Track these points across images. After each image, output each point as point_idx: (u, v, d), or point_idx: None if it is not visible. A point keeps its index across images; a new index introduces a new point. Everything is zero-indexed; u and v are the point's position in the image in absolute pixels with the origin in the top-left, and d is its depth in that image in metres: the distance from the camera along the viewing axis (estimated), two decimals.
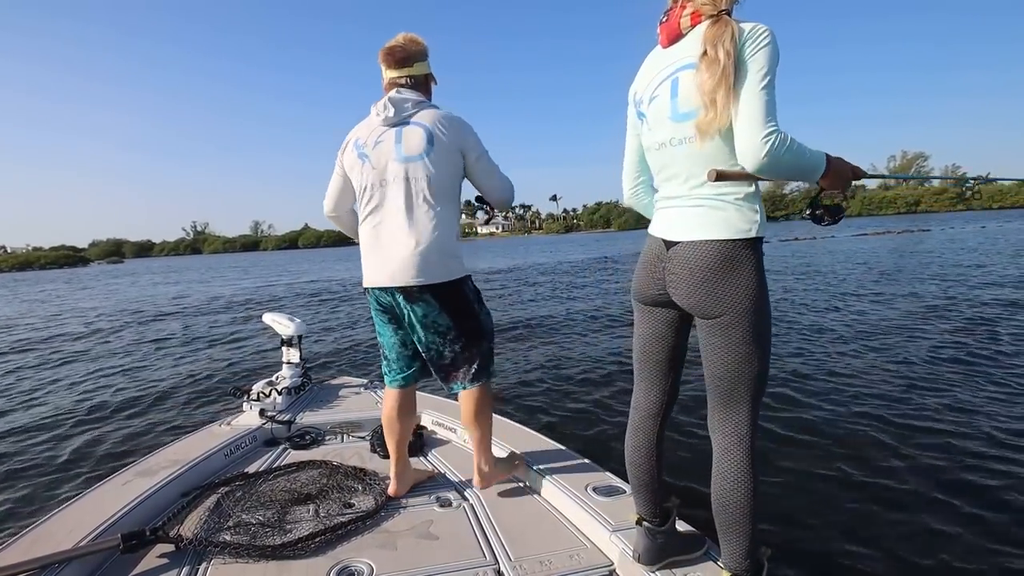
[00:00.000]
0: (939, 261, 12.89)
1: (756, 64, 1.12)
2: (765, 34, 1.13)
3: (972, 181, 1.33)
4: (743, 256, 1.21)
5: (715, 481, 1.30)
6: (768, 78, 1.11)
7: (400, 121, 1.82)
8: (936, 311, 6.68)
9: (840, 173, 1.19)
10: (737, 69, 1.12)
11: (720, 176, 1.17)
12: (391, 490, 2.02)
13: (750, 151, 1.11)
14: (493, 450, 2.27)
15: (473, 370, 1.90)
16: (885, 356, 4.76)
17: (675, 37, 1.28)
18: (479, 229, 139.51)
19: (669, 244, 1.32)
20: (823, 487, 2.58)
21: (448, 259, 1.79)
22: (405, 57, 1.87)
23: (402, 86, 1.88)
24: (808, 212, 1.31)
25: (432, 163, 1.77)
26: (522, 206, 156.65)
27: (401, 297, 1.80)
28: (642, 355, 1.48)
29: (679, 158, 1.28)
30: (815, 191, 1.28)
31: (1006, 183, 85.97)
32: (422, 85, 1.94)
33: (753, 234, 1.21)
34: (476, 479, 2.00)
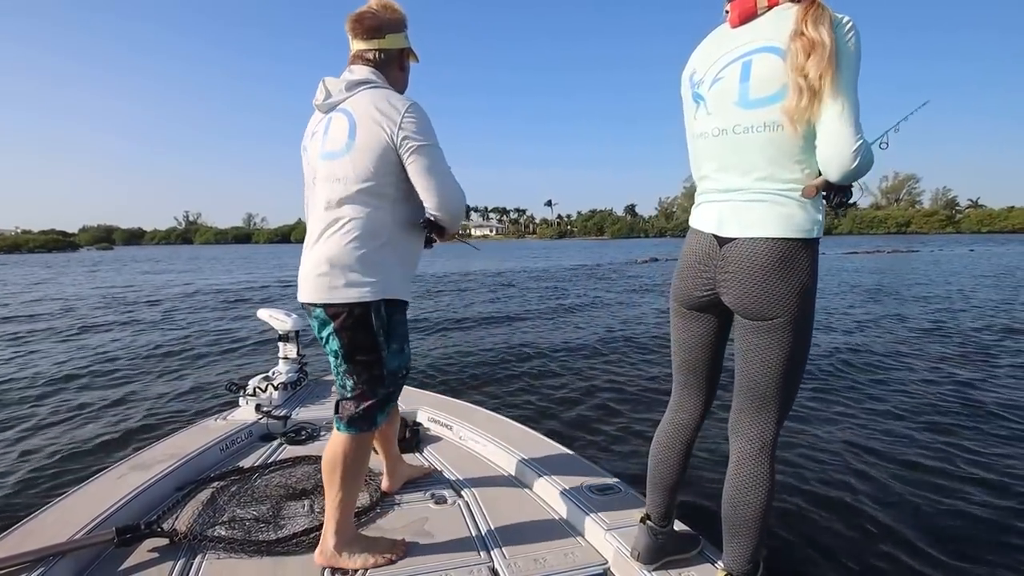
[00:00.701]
0: (926, 281, 13.09)
1: (848, 61, 1.06)
2: (854, 29, 1.07)
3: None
4: (803, 257, 1.15)
5: (731, 483, 1.29)
6: (856, 78, 1.08)
7: (331, 107, 1.55)
8: (925, 333, 6.81)
9: None
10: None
11: (816, 193, 1.12)
12: (384, 486, 2.02)
13: (838, 161, 1.08)
14: (489, 448, 2.30)
15: (355, 412, 1.57)
16: (869, 374, 4.84)
17: (748, 16, 1.19)
18: (472, 231, 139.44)
19: (722, 241, 1.23)
20: (809, 496, 2.62)
21: (355, 275, 1.48)
22: (376, 26, 1.56)
23: (369, 61, 1.58)
24: (835, 201, 1.23)
25: (353, 160, 1.46)
26: (517, 210, 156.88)
27: (307, 311, 1.59)
28: (685, 363, 1.43)
29: (743, 147, 1.19)
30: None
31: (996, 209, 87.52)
32: (393, 61, 1.62)
33: (814, 234, 1.16)
34: (317, 552, 1.59)
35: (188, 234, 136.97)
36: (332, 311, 1.50)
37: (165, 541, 1.66)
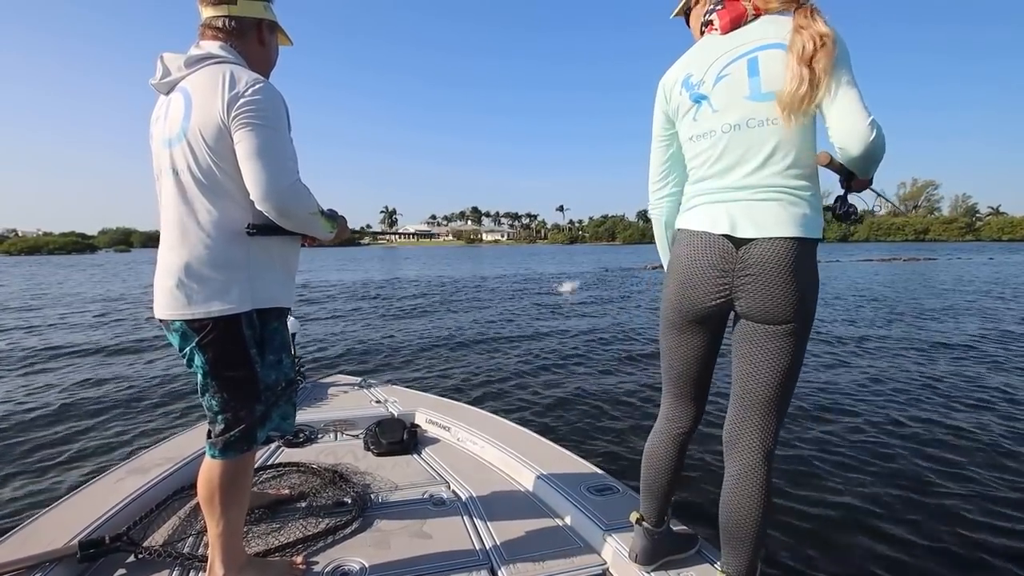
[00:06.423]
0: (944, 292, 12.88)
1: (846, 52, 1.11)
2: (837, 33, 1.13)
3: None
4: (812, 258, 1.15)
5: (734, 497, 1.25)
6: (853, 70, 1.11)
7: (170, 87, 1.34)
8: (933, 341, 6.68)
9: None
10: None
11: (830, 161, 1.13)
12: None
13: (856, 135, 1.07)
14: (487, 449, 2.27)
15: (229, 436, 1.35)
16: (873, 380, 4.75)
17: (739, 21, 1.22)
18: (484, 236, 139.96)
19: (738, 242, 1.18)
20: (808, 498, 2.57)
21: (218, 284, 1.28)
22: None
23: (219, 31, 1.35)
24: (841, 210, 1.23)
25: (191, 145, 1.26)
26: (528, 215, 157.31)
27: (164, 326, 1.38)
28: (681, 375, 1.38)
29: (757, 141, 1.17)
30: (843, 190, 1.24)
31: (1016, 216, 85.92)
32: (249, 32, 1.38)
33: (819, 235, 1.16)
34: None
35: None
36: (195, 325, 1.29)
37: (162, 544, 1.63)
